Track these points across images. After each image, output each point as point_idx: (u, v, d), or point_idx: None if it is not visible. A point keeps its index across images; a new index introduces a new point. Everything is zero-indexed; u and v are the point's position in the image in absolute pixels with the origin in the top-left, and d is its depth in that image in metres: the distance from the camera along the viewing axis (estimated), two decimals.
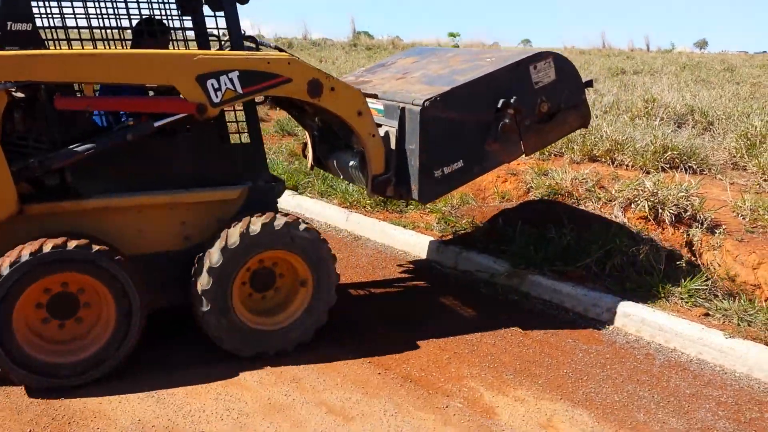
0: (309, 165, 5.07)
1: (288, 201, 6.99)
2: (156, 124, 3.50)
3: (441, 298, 4.76)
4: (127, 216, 3.63)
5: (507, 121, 4.04)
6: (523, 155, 4.33)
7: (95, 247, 3.33)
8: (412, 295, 4.84)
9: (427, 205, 6.43)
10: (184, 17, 4.07)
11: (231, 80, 3.56)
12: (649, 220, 5.35)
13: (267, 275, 3.80)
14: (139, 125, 3.50)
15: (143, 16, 3.95)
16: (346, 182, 6.98)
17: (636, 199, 5.44)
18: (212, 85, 3.53)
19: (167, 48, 4.03)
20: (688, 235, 5.14)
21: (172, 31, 4.06)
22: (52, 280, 3.31)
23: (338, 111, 3.87)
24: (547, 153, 7.48)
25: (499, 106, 4.03)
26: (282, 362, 3.71)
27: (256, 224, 3.59)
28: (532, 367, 3.77)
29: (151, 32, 3.87)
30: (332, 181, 7.15)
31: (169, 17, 4.01)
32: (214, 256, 3.54)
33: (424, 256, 5.58)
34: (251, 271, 3.74)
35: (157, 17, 3.97)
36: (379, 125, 4.06)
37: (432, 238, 5.65)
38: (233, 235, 3.57)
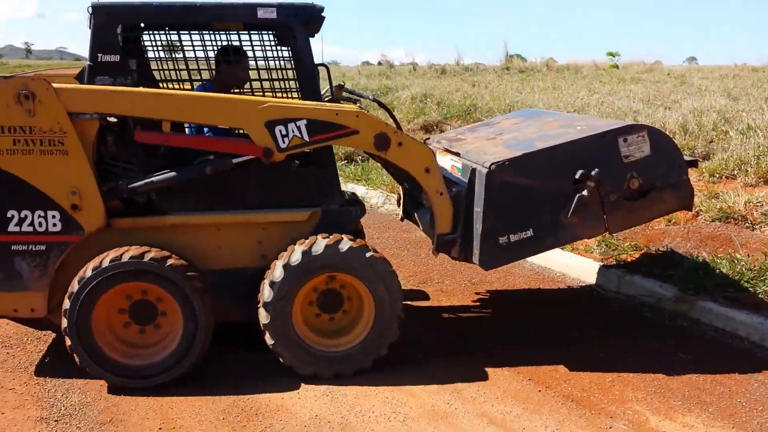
0: (400, 217, 5.14)
1: None
2: (234, 161, 3.77)
3: (603, 321, 4.70)
4: (207, 233, 3.90)
5: (585, 193, 3.79)
6: (607, 233, 4.10)
7: (169, 262, 3.62)
8: (573, 316, 4.81)
9: None
10: (283, 48, 4.25)
11: (299, 128, 3.73)
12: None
13: (333, 297, 3.87)
14: (218, 161, 3.78)
15: (224, 46, 4.23)
16: None
17: None
18: (280, 131, 3.72)
19: (246, 73, 4.28)
20: None
21: (268, 61, 4.27)
22: (128, 287, 3.67)
23: (405, 166, 3.91)
24: (717, 175, 7.11)
25: (577, 176, 3.80)
26: (443, 373, 3.87)
27: (320, 245, 3.70)
28: (702, 394, 3.64)
29: (227, 60, 4.17)
30: None
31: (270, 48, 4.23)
32: (276, 270, 3.70)
33: (583, 278, 5.52)
34: (318, 291, 3.85)
35: (234, 45, 4.23)
36: (457, 183, 4.05)
37: (592, 261, 5.59)
38: (297, 252, 3.70)
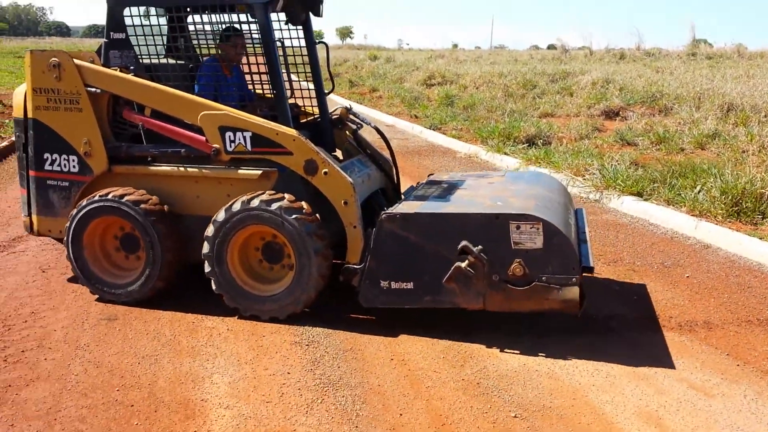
0: None
1: (632, 206, 7.29)
2: (211, 152, 4.42)
3: None
4: (187, 183, 4.57)
5: (462, 265, 3.93)
6: (484, 309, 4.06)
7: (126, 198, 4.44)
8: None
9: None
10: (295, 27, 4.92)
11: (244, 138, 4.35)
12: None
13: (276, 249, 4.41)
14: (193, 150, 4.49)
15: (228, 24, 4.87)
16: (696, 190, 7.05)
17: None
18: (229, 137, 4.37)
19: (240, 51, 4.93)
20: None
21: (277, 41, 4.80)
22: (112, 220, 4.59)
23: (327, 194, 4.28)
24: None
25: (459, 247, 3.96)
26: (641, 342, 4.17)
27: (256, 200, 4.23)
28: None
29: (225, 37, 4.86)
30: (680, 189, 7.27)
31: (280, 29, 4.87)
32: (220, 213, 4.31)
33: None
34: (264, 241, 4.41)
35: (234, 25, 4.81)
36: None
37: None
38: (237, 202, 4.27)
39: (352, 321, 4.44)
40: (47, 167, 4.77)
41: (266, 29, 4.41)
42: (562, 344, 4.14)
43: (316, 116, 5.36)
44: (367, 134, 5.52)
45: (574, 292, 3.88)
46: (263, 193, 4.30)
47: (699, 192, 7.00)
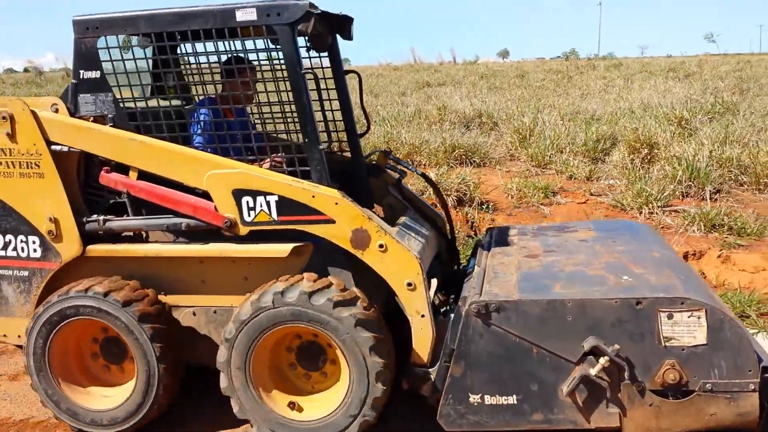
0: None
1: None
2: (222, 223, 3.40)
3: None
4: (189, 265, 3.53)
5: (593, 373, 2.90)
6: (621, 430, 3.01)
7: (113, 295, 3.36)
8: None
9: None
10: (322, 55, 3.95)
11: (268, 204, 3.30)
12: (436, 205, 6.44)
13: (315, 351, 3.42)
14: (199, 222, 3.44)
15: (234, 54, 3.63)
16: None
17: (425, 189, 6.57)
18: (247, 203, 3.32)
19: (247, 88, 3.68)
20: (467, 214, 6.34)
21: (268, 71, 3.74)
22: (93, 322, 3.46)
23: (383, 274, 3.25)
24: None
25: (586, 348, 2.94)
26: None
27: (268, 295, 3.22)
28: None
29: (232, 72, 3.68)
30: None
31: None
32: (230, 324, 3.32)
33: None
34: (302, 339, 3.43)
35: (243, 55, 3.64)
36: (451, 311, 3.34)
37: None
38: (246, 304, 3.28)
39: None
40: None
41: (293, 58, 3.28)
42: None
43: (347, 159, 4.14)
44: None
45: (753, 402, 2.87)
46: (288, 279, 3.28)
47: None
